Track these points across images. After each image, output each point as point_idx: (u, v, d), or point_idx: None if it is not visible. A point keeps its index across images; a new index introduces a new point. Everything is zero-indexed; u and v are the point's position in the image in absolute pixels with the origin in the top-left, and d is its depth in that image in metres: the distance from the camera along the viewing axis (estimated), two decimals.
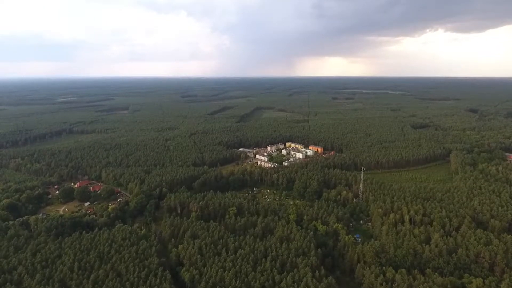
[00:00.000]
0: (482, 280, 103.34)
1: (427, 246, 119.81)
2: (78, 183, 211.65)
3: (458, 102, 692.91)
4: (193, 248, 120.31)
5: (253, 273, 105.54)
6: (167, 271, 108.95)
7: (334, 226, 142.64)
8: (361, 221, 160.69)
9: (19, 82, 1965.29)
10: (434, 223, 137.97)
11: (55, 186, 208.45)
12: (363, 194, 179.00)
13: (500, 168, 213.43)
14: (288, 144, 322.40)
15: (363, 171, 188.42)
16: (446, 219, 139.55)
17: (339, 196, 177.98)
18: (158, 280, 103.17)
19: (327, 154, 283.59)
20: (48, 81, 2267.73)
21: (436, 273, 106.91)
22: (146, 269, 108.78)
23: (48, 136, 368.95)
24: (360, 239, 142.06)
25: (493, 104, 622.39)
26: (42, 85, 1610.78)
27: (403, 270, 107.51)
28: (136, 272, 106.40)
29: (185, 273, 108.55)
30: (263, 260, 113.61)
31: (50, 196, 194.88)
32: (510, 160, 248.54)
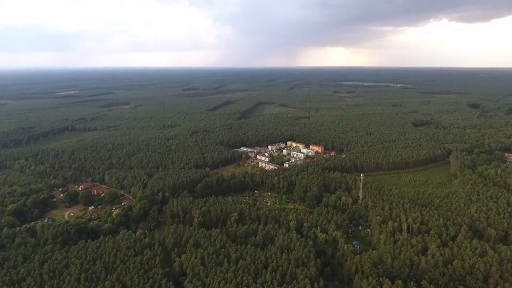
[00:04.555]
0: None
1: (423, 257, 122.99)
2: (82, 186, 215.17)
3: (460, 97, 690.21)
4: (196, 258, 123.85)
5: (254, 285, 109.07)
6: (171, 283, 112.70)
7: (334, 234, 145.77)
8: (360, 227, 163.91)
9: (20, 74, 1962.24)
10: (432, 232, 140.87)
11: (60, 189, 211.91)
12: (362, 200, 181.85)
13: (499, 171, 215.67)
14: (289, 143, 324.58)
15: (363, 176, 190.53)
16: (443, 228, 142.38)
17: (338, 201, 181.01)
18: None
19: (327, 154, 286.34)
20: (49, 72, 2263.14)
21: (431, 285, 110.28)
22: (150, 280, 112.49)
23: (51, 134, 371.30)
24: (358, 246, 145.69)
25: (495, 99, 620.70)
26: (43, 77, 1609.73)
27: (400, 281, 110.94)
28: (141, 284, 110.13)
29: (188, 284, 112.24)
30: (264, 271, 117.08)
31: (55, 199, 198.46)
32: (509, 161, 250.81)
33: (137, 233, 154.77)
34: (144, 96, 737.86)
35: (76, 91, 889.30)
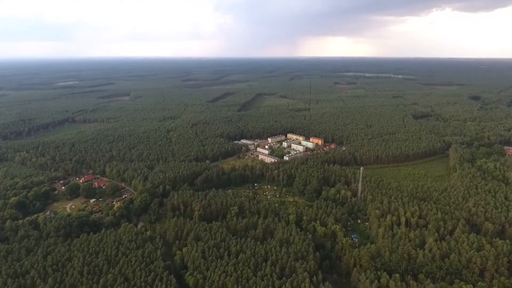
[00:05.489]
0: (472, 286, 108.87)
1: (421, 251, 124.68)
2: (83, 178, 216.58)
3: (461, 88, 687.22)
4: (197, 252, 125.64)
5: (254, 278, 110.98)
6: (172, 276, 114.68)
7: (333, 228, 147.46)
8: (359, 220, 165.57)
9: (19, 64, 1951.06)
10: (429, 226, 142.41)
11: (61, 182, 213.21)
12: (361, 193, 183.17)
13: (498, 164, 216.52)
14: (289, 135, 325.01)
15: (362, 170, 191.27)
16: (441, 222, 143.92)
17: (338, 195, 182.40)
18: (164, 285, 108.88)
19: (327, 147, 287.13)
20: (48, 62, 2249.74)
21: (428, 279, 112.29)
22: (152, 273, 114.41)
23: (51, 125, 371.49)
24: (357, 239, 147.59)
25: (496, 91, 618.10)
26: (42, 67, 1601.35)
27: (397, 275, 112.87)
28: (142, 277, 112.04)
29: (189, 277, 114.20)
30: (264, 264, 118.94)
31: (56, 192, 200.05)
32: (508, 155, 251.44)
33: (139, 226, 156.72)
34: (144, 87, 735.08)
35: (75, 82, 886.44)
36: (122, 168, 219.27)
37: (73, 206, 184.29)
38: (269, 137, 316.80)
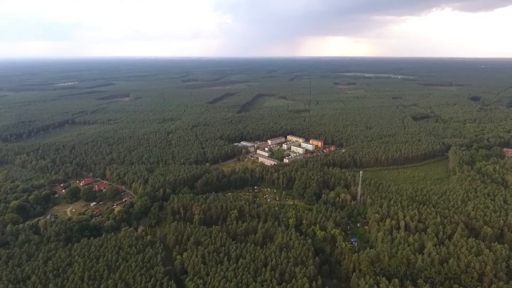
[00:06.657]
0: None
1: (420, 255, 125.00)
2: (83, 181, 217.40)
3: (461, 89, 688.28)
4: (197, 256, 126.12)
5: (253, 283, 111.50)
6: (173, 281, 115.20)
7: (332, 232, 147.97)
8: (359, 224, 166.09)
9: (19, 64, 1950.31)
10: (429, 230, 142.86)
11: (61, 185, 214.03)
12: (361, 197, 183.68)
13: (497, 167, 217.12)
14: (289, 137, 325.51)
15: (362, 173, 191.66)
16: (440, 226, 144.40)
17: (337, 198, 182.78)
18: None
19: (327, 149, 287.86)
20: (48, 62, 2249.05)
21: (427, 284, 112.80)
22: (152, 278, 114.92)
23: (51, 127, 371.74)
24: (356, 243, 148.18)
25: (495, 91, 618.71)
26: (41, 67, 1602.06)
27: (396, 280, 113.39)
28: (143, 282, 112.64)
29: (189, 282, 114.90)
30: (263, 269, 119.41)
31: (56, 195, 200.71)
32: (508, 157, 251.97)
33: (139, 230, 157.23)
34: (144, 88, 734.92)
35: (75, 83, 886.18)
36: (122, 171, 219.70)
37: (73, 210, 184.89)
38: (269, 139, 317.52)
